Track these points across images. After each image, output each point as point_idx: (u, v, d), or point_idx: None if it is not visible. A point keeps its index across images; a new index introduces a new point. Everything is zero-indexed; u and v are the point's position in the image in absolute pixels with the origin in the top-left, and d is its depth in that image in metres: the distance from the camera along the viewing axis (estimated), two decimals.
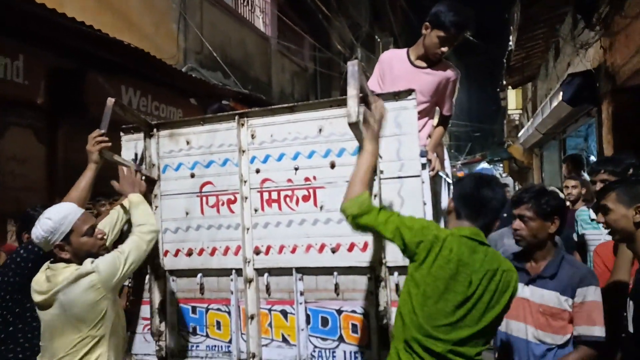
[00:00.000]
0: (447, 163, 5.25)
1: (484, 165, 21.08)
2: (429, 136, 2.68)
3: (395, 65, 2.49)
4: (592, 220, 3.17)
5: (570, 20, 7.31)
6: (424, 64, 2.46)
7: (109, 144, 2.18)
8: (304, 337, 2.09)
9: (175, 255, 2.34)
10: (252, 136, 2.23)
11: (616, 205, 1.74)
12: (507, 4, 12.11)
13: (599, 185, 3.01)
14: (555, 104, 7.11)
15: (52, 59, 4.05)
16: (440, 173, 4.05)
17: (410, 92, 2.04)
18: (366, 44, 14.32)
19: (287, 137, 2.17)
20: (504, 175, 17.95)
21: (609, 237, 2.10)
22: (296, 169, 2.14)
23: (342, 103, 1.85)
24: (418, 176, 2.00)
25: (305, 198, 2.09)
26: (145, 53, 4.70)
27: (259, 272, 2.16)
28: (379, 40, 16.29)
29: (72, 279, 1.74)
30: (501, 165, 19.00)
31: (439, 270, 1.50)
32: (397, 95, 2.06)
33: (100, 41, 4.14)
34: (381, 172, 2.00)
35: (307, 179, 2.11)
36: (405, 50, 2.55)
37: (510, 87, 12.58)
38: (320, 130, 2.12)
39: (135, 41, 5.10)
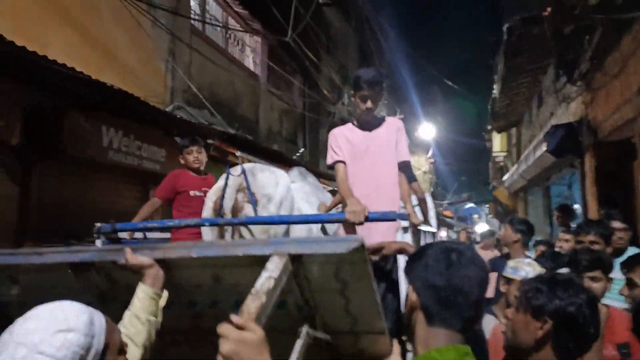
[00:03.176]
0: (432, 213, 5.21)
1: (470, 205, 21.23)
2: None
3: (349, 136, 2.72)
4: None
5: (553, 72, 7.51)
6: (368, 128, 2.73)
7: None
8: None
9: None
10: None
11: None
12: (491, 51, 12.50)
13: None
14: (539, 153, 7.20)
15: (29, 98, 3.95)
16: (422, 227, 3.99)
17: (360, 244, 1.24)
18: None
19: None
20: (489, 216, 18.04)
21: None
22: None
23: None
24: None
25: None
26: (129, 94, 4.63)
27: None
28: None
29: None
30: (487, 206, 19.14)
31: None
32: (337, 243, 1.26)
33: (80, 81, 4.07)
34: None
35: None
36: (348, 124, 2.82)
37: (495, 131, 12.81)
38: None
39: (121, 79, 5.05)
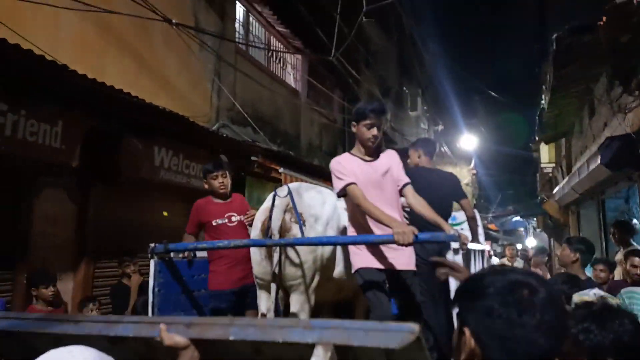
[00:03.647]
0: (480, 230, 5.03)
1: (516, 218, 20.45)
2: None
3: (353, 167, 2.78)
4: None
5: (605, 80, 7.16)
6: (370, 158, 2.81)
7: None
8: None
9: None
10: None
11: None
12: (536, 59, 12.13)
13: None
14: (593, 166, 6.85)
15: (89, 123, 4.19)
16: (471, 246, 3.88)
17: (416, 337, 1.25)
18: (393, 96, 14.50)
19: None
20: (538, 230, 17.30)
21: None
22: None
23: None
24: None
25: None
26: (179, 116, 4.82)
27: None
28: (407, 91, 16.52)
29: None
30: (534, 219, 18.35)
31: None
32: None
33: (136, 106, 4.27)
34: None
35: None
36: (346, 154, 2.88)
37: (543, 142, 12.34)
38: None
39: (171, 101, 5.27)
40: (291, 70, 9.54)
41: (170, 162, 5.08)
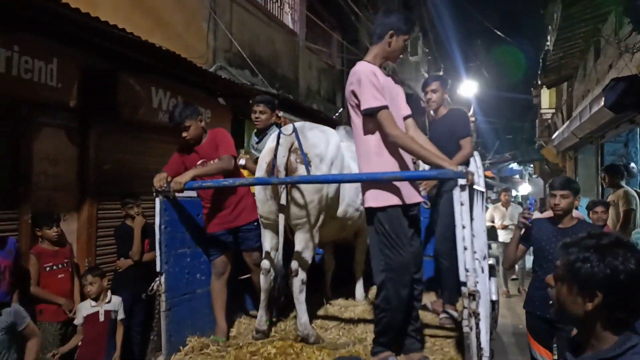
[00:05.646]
0: (480, 172, 5.05)
1: (512, 165, 20.51)
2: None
3: (380, 77, 2.50)
4: None
5: (614, 20, 6.95)
6: (391, 74, 2.64)
7: None
8: None
9: None
10: None
11: None
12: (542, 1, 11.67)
13: None
14: (595, 109, 6.79)
15: (85, 61, 4.06)
16: (476, 186, 3.91)
17: None
18: None
19: None
20: (534, 176, 17.43)
21: None
22: None
23: None
24: None
25: None
26: (175, 55, 4.67)
27: None
28: None
29: None
30: (531, 165, 18.43)
31: None
32: None
33: (132, 43, 4.12)
34: None
35: None
36: (370, 65, 2.51)
37: (545, 86, 12.15)
38: None
39: (166, 41, 5.08)
40: (289, 10, 9.16)
41: (169, 103, 4.97)
